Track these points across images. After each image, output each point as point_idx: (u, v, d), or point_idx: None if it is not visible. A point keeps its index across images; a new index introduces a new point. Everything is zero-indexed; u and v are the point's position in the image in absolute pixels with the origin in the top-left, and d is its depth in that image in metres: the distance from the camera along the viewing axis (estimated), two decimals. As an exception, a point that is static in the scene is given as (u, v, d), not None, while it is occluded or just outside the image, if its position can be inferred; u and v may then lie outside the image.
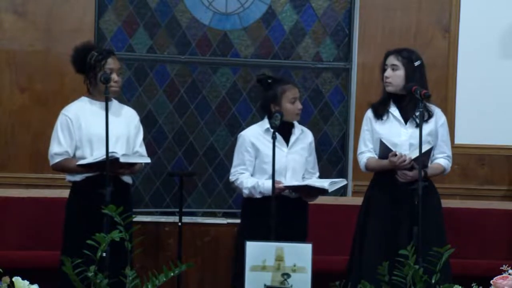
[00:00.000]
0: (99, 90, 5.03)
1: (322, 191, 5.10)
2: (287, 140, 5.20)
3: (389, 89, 5.12)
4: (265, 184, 5.07)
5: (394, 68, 5.11)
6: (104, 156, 4.80)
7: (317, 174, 5.36)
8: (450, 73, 6.66)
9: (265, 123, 5.21)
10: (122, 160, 4.83)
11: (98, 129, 4.93)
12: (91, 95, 5.09)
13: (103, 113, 4.88)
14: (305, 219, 5.24)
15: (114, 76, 4.99)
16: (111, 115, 4.84)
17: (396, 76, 5.09)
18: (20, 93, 6.38)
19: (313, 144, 5.35)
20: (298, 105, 5.21)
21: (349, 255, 5.22)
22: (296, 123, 5.26)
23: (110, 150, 4.75)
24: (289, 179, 5.13)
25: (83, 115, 5.03)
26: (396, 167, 4.98)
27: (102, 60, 5.00)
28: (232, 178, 5.23)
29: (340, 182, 5.19)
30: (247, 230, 5.10)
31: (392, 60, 5.13)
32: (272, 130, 4.90)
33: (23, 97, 6.38)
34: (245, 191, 5.14)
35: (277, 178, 4.97)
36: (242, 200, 5.28)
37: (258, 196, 5.11)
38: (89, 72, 5.04)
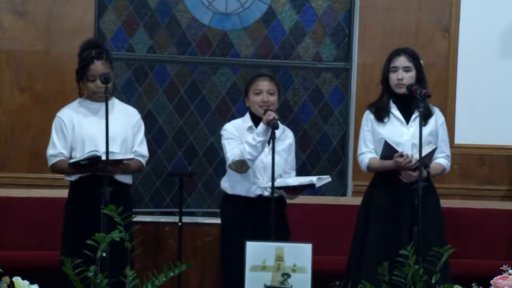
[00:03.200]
0: (88, 92, 5.06)
1: (310, 187, 5.01)
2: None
3: (402, 91, 5.09)
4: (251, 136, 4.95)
5: (407, 69, 5.08)
6: (87, 154, 4.85)
7: (294, 173, 5.25)
8: (450, 73, 6.66)
9: (247, 120, 5.14)
10: (104, 157, 4.82)
11: (90, 130, 4.96)
12: (87, 96, 5.11)
13: (96, 113, 4.92)
14: (285, 218, 5.13)
15: (97, 82, 4.97)
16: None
17: (409, 78, 5.07)
18: (20, 93, 6.39)
19: (293, 145, 5.24)
20: (263, 98, 5.05)
21: (348, 255, 5.22)
22: (278, 123, 5.03)
23: (100, 150, 4.78)
24: (266, 179, 5.00)
25: (76, 116, 5.06)
26: (401, 168, 4.96)
27: (84, 67, 5.01)
28: (228, 162, 5.07)
29: (326, 179, 5.05)
30: (229, 232, 5.08)
31: (404, 61, 5.09)
32: (254, 128, 4.95)
33: (23, 97, 6.39)
34: (236, 157, 4.95)
35: (255, 176, 4.97)
36: (221, 202, 5.24)
37: (249, 153, 4.91)
38: (78, 74, 5.08)
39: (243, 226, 4.94)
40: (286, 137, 5.20)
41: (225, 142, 5.11)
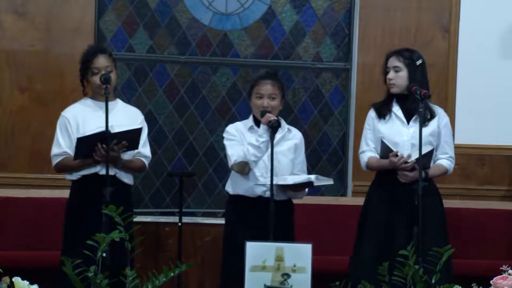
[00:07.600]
0: (92, 90, 5.07)
1: (309, 185, 4.97)
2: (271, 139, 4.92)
3: (394, 90, 5.12)
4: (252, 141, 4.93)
5: (396, 69, 5.11)
6: (100, 129, 4.83)
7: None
8: (450, 73, 6.65)
9: (249, 121, 5.13)
10: (114, 130, 4.83)
11: (95, 127, 4.94)
12: (91, 95, 5.11)
13: (101, 112, 4.91)
14: (291, 221, 5.11)
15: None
16: (110, 115, 4.83)
17: (399, 78, 5.10)
18: (20, 93, 6.38)
19: (301, 147, 5.18)
20: (263, 103, 4.98)
21: (350, 255, 5.22)
22: (283, 123, 5.09)
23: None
24: (268, 179, 4.87)
25: (81, 115, 5.06)
26: (397, 168, 4.98)
27: (88, 62, 5.02)
28: (230, 163, 5.04)
29: (326, 180, 5.00)
30: (231, 232, 5.07)
31: (393, 62, 5.13)
32: (255, 128, 4.96)
33: (23, 97, 6.38)
34: (239, 159, 4.93)
35: (257, 177, 4.96)
36: (226, 202, 5.22)
37: (253, 154, 4.89)
38: (81, 73, 5.08)
39: (244, 227, 4.93)
40: (293, 137, 5.15)
41: (226, 143, 5.09)
